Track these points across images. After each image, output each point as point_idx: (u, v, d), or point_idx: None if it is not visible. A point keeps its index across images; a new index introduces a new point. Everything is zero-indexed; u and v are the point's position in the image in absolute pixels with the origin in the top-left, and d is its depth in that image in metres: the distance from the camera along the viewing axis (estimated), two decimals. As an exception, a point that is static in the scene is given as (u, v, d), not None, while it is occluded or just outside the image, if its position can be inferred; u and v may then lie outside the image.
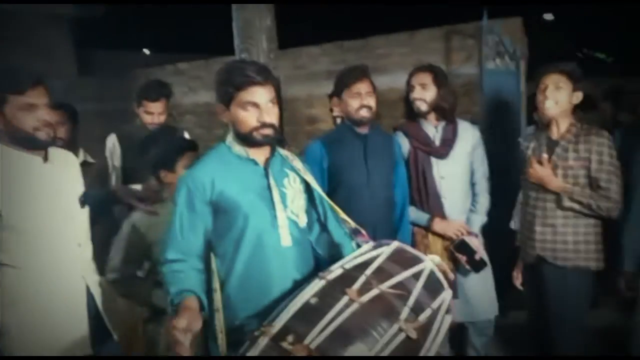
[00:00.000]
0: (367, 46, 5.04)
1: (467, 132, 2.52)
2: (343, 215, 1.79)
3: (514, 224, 2.73)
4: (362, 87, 2.29)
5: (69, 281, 1.78)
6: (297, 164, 1.80)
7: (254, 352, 1.29)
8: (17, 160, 1.70)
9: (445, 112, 2.45)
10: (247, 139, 1.64)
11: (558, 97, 2.25)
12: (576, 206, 2.22)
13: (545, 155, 2.26)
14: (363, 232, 1.77)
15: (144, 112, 2.95)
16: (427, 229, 2.47)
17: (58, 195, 1.76)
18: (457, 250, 2.43)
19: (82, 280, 1.80)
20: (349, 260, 1.56)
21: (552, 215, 2.27)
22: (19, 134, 1.67)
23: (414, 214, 2.49)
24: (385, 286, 1.43)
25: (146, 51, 8.28)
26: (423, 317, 1.43)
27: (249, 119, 1.61)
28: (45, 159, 1.75)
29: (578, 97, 2.27)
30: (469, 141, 2.50)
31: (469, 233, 2.45)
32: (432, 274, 1.56)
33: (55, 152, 1.82)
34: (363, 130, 2.37)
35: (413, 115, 2.51)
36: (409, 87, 2.49)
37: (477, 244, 2.45)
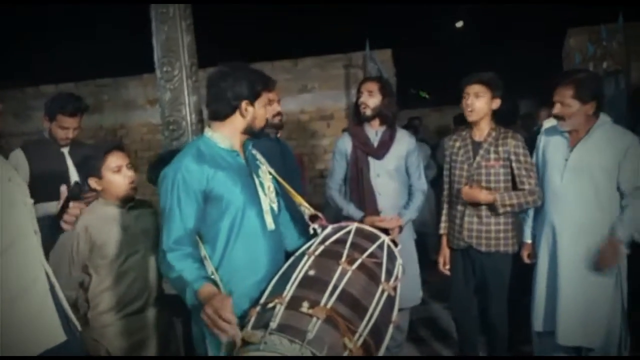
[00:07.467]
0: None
1: (403, 138, 2.83)
2: (302, 202, 2.01)
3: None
4: (272, 95, 2.43)
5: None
6: (259, 156, 2.00)
7: (274, 321, 1.44)
8: None
9: (387, 118, 2.77)
10: (257, 131, 1.86)
11: (477, 105, 2.59)
12: (509, 209, 2.55)
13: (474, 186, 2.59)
14: (321, 216, 1.99)
15: (57, 126, 2.84)
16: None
17: None
18: None
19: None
20: (325, 239, 1.80)
21: (478, 208, 2.62)
22: None
23: (351, 210, 2.76)
24: (365, 256, 1.71)
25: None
26: (393, 278, 1.75)
27: (268, 113, 1.98)
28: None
29: (497, 103, 2.60)
30: (404, 146, 2.81)
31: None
32: (388, 245, 1.88)
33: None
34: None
35: (360, 120, 2.80)
36: (358, 94, 2.78)
37: (396, 236, 2.64)
